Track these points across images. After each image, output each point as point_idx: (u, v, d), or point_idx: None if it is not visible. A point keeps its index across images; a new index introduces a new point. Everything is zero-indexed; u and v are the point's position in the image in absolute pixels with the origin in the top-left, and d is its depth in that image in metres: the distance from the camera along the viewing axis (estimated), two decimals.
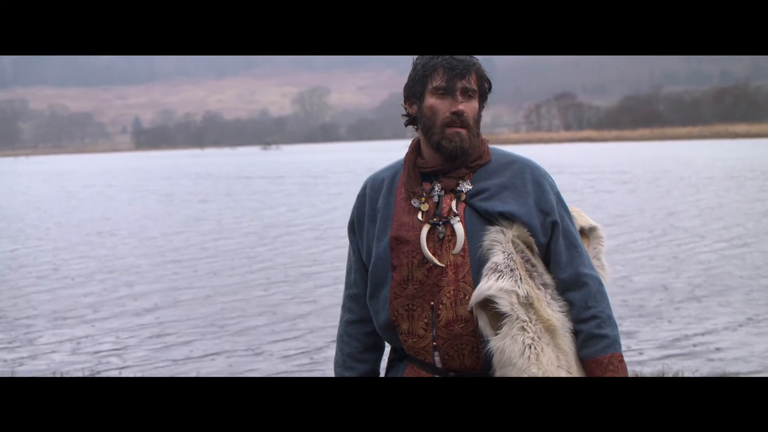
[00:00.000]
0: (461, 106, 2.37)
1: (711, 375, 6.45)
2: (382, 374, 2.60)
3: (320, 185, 34.60)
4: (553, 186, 2.45)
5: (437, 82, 2.39)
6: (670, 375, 6.38)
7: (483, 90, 2.44)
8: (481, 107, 2.45)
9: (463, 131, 2.38)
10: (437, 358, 2.38)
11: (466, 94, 2.39)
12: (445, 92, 2.38)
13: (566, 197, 2.51)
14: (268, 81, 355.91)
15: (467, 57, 2.41)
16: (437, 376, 2.39)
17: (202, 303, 10.32)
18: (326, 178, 39.72)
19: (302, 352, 7.88)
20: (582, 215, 2.65)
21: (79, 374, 7.23)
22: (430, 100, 2.40)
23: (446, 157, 2.41)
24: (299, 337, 8.48)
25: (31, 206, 28.56)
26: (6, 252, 16.17)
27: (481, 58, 2.47)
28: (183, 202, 28.09)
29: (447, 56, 2.40)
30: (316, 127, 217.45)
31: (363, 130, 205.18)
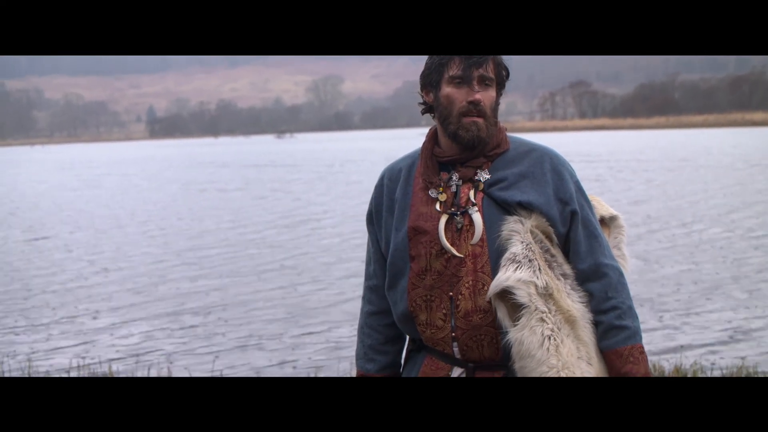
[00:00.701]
0: (478, 95, 2.34)
1: (740, 370, 6.27)
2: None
3: (344, 174, 34.51)
4: (572, 175, 2.42)
5: (454, 71, 2.35)
6: (688, 369, 6.33)
7: (501, 78, 2.40)
8: (498, 96, 2.41)
9: (480, 120, 2.35)
10: (456, 349, 2.36)
11: (483, 82, 2.36)
12: (462, 81, 2.35)
13: (585, 186, 2.48)
14: (281, 69, 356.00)
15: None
16: (455, 367, 2.38)
17: (234, 297, 10.34)
18: (346, 167, 39.63)
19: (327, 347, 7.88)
20: (602, 204, 2.61)
21: (99, 369, 7.26)
22: (447, 89, 2.37)
23: (463, 146, 2.38)
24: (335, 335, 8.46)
25: (53, 197, 28.58)
26: (31, 243, 16.26)
27: None
28: (204, 191, 28.03)
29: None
30: (329, 116, 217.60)
31: (377, 118, 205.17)
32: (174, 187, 30.40)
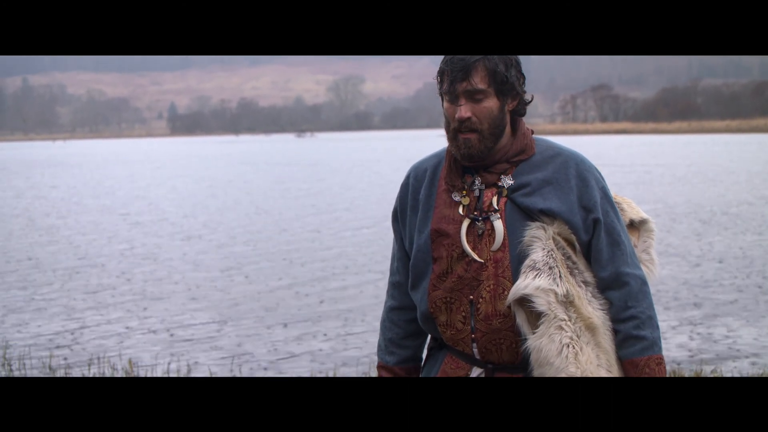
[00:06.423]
0: (463, 111, 2.30)
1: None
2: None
3: (379, 173, 34.17)
4: (598, 181, 2.38)
5: (444, 86, 2.34)
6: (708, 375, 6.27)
7: (497, 85, 2.31)
8: (502, 103, 2.33)
9: (472, 137, 2.31)
10: (476, 350, 2.37)
11: (471, 96, 2.30)
12: (451, 97, 2.33)
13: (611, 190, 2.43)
14: (303, 69, 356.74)
15: (471, 55, 2.29)
16: (475, 367, 2.38)
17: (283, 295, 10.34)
18: (378, 167, 39.25)
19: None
20: (633, 207, 2.58)
21: (121, 368, 7.29)
22: (444, 104, 2.36)
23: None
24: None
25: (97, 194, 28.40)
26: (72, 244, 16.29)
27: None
28: (238, 190, 27.66)
29: (452, 56, 2.31)
30: (350, 116, 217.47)
31: (397, 118, 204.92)
32: (222, 187, 28.71)
